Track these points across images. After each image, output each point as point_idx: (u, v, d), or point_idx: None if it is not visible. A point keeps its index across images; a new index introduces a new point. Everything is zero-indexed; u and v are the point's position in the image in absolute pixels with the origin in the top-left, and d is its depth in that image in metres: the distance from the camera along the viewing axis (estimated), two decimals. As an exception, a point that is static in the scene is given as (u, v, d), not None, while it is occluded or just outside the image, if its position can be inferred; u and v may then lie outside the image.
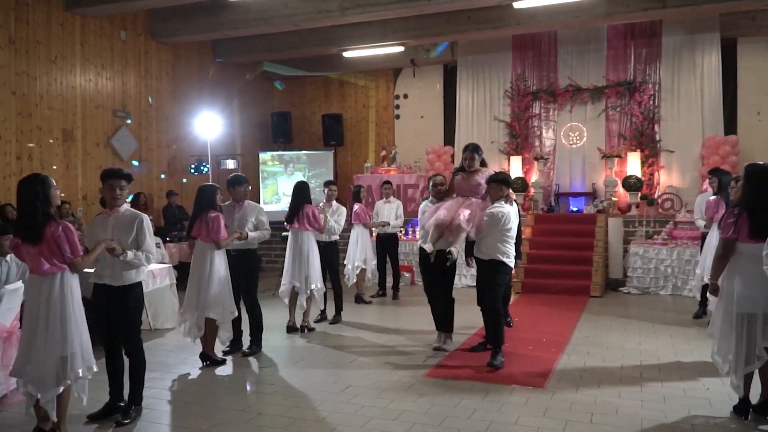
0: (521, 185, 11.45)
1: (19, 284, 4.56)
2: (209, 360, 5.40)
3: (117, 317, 4.10)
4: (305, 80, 14.20)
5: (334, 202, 7.57)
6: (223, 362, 5.48)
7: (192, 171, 11.19)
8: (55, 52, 9.31)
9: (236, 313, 5.61)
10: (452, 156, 12.49)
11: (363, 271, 8.72)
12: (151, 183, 11.17)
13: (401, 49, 11.68)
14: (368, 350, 6.09)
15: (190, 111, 11.72)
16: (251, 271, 5.90)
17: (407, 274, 10.43)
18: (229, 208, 5.92)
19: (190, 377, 5.20)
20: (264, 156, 12.36)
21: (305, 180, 7.28)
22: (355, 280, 8.69)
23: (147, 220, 4.17)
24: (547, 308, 8.17)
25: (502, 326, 5.59)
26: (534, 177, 11.68)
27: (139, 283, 4.16)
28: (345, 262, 8.72)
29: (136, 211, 4.19)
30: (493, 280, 5.48)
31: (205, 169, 11.20)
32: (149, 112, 10.97)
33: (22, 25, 8.81)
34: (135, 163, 10.66)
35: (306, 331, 6.80)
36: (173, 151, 11.41)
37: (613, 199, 10.82)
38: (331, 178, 11.99)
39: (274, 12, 10.10)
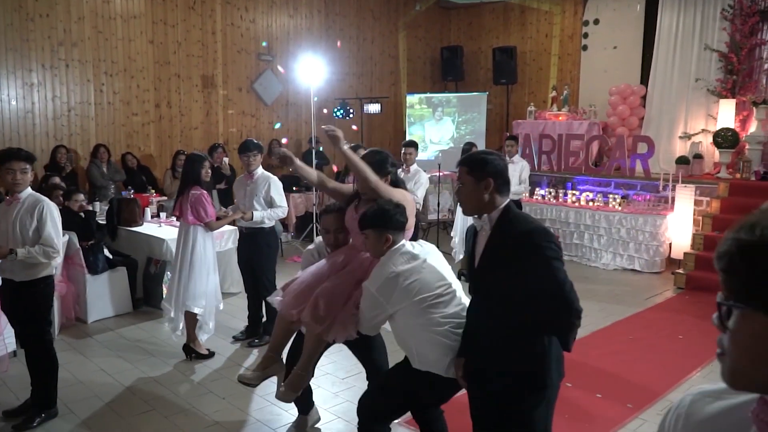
0: (731, 139, 8.55)
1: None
2: (194, 353, 4.88)
3: (20, 314, 3.75)
4: (483, 9, 12.49)
5: (413, 167, 6.33)
6: (210, 355, 4.92)
7: (338, 115, 10.62)
8: (193, -2, 9.34)
9: (221, 306, 5.00)
10: (643, 97, 9.91)
11: (475, 243, 7.37)
12: (299, 128, 10.97)
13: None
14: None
15: (343, 50, 11.11)
16: (264, 254, 5.15)
17: (551, 246, 8.67)
18: (241, 180, 5.21)
19: (160, 373, 4.69)
20: (411, 99, 11.23)
21: (357, 144, 6.12)
22: (462, 256, 7.40)
23: (50, 207, 3.67)
24: (701, 319, 5.94)
25: None
26: (752, 128, 8.62)
27: (45, 279, 3.72)
28: (452, 233, 7.47)
29: (39, 196, 3.71)
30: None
31: (350, 114, 10.58)
32: (296, 54, 10.57)
33: (158, -27, 8.93)
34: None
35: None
36: (318, 94, 10.96)
37: None
38: (483, 123, 10.50)
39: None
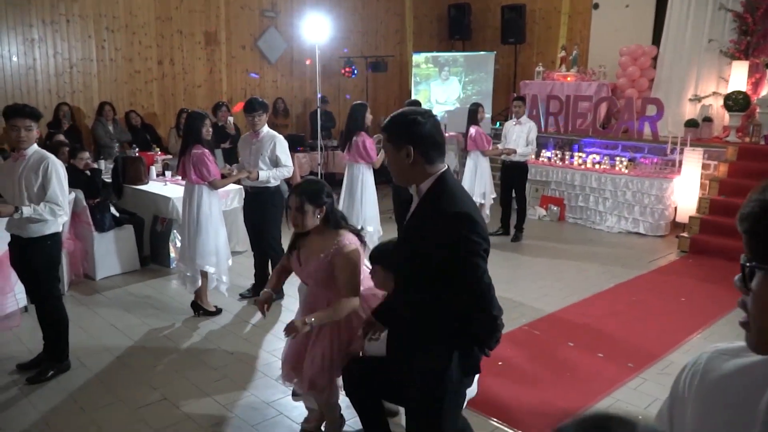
0: (743, 102, 8.42)
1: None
2: (201, 310, 4.94)
3: (28, 270, 3.79)
4: (492, -36, 12.16)
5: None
6: (217, 312, 4.98)
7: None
8: (195, -49, 9.13)
9: (230, 262, 5.04)
10: (654, 58, 9.74)
11: (481, 206, 7.37)
12: (304, 86, 10.84)
13: None
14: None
15: (348, 7, 10.90)
16: (269, 213, 5.15)
17: (555, 208, 8.67)
18: (246, 139, 5.18)
19: (168, 328, 4.77)
20: (417, 58, 11.06)
21: (362, 102, 6.05)
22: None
23: (56, 164, 3.66)
24: (704, 282, 5.96)
25: None
26: (764, 91, 8.49)
27: (53, 235, 3.74)
28: (459, 194, 7.43)
29: (45, 153, 3.69)
30: None
31: (354, 72, 10.45)
32: (301, 10, 10.38)
33: (159, -75, 8.71)
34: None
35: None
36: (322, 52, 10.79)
37: None
38: (490, 84, 10.36)
39: None
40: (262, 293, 3.00)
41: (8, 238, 4.40)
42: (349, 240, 2.85)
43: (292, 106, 10.57)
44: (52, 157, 3.69)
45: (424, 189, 2.07)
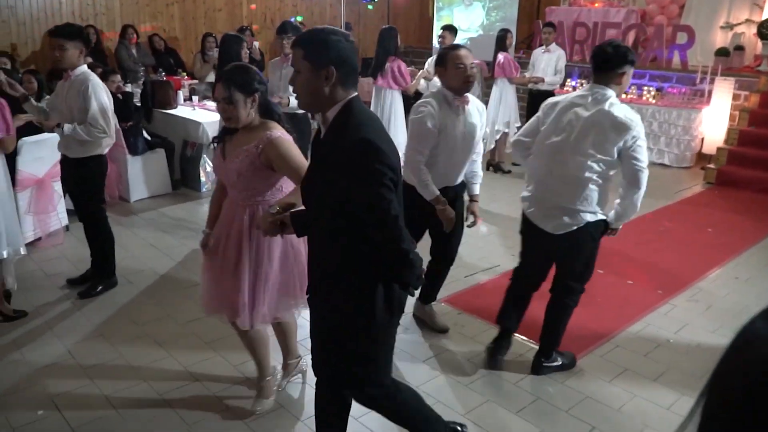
0: (777, 31, 8.19)
1: (48, 135, 4.56)
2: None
3: (74, 189, 3.89)
4: None
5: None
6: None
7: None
8: None
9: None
10: (687, -16, 9.42)
11: (505, 135, 7.35)
12: (323, 11, 10.60)
13: None
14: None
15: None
16: (296, 140, 5.14)
17: (579, 139, 8.61)
18: (276, 63, 5.14)
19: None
20: (440, -19, 10.73)
21: (392, 27, 5.93)
22: (493, 146, 7.41)
23: (96, 85, 3.67)
24: (730, 213, 6.00)
25: None
26: (801, 19, 8.24)
27: (96, 157, 3.81)
28: (484, 122, 7.40)
29: (88, 75, 3.70)
30: None
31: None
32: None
33: None
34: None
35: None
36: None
37: None
38: (515, 10, 10.08)
39: None
40: (203, 236, 2.80)
41: (52, 159, 4.53)
42: (281, 132, 2.60)
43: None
44: (93, 79, 3.70)
45: (331, 117, 1.94)
